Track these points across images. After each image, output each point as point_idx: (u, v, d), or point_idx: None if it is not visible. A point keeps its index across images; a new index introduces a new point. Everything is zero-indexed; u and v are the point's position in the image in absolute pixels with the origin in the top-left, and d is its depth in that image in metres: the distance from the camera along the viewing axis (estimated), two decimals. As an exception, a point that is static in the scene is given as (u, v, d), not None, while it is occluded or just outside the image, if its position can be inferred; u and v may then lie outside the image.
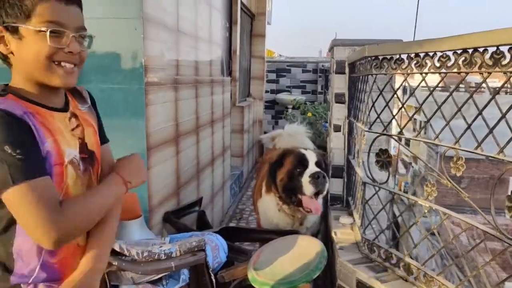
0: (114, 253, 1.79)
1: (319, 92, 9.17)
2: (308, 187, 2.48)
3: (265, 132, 8.13)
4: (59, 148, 1.06)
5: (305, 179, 2.50)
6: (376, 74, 2.03)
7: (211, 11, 3.70)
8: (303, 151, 2.66)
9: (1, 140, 0.92)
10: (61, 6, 1.02)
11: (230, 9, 5.35)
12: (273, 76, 9.20)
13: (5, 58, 1.05)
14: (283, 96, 8.91)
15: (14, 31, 1.00)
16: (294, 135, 3.60)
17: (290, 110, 8.59)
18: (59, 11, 1.02)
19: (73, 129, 1.14)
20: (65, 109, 1.14)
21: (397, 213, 2.18)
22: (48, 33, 1.00)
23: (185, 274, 2.00)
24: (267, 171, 2.75)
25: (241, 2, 5.81)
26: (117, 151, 2.27)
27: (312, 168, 2.54)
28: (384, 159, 1.93)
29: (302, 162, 2.57)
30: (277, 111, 9.09)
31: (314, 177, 2.47)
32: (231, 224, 4.24)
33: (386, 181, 2.04)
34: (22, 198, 0.94)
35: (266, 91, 8.43)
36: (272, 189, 2.69)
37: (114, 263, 1.79)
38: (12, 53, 1.02)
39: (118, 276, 1.87)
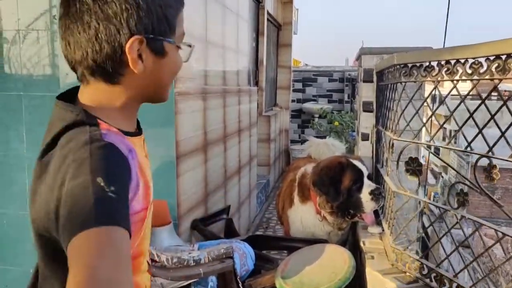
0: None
1: (345, 101, 9.11)
2: (369, 205, 2.41)
3: (291, 141, 8.13)
4: (149, 189, 0.87)
5: (365, 196, 2.41)
6: (405, 82, 2.01)
7: (238, 21, 3.75)
8: (356, 163, 2.52)
9: (98, 169, 0.71)
10: (182, 14, 0.89)
11: (257, 19, 5.41)
12: (299, 85, 9.21)
13: (116, 77, 0.83)
14: (309, 105, 8.89)
15: (158, 47, 0.83)
16: (332, 147, 3.54)
17: (316, 119, 8.56)
18: (183, 21, 0.90)
19: (146, 155, 0.95)
20: (139, 132, 0.96)
21: (427, 224, 2.14)
22: (189, 47, 0.91)
23: (213, 281, 2.02)
24: (319, 186, 2.53)
25: (268, 13, 5.87)
26: (147, 159, 2.32)
27: (367, 182, 2.45)
28: (414, 167, 1.90)
29: (359, 177, 2.46)
30: (303, 120, 9.07)
31: (375, 194, 2.40)
32: (258, 233, 4.24)
33: (417, 190, 2.01)
34: (98, 243, 0.66)
35: (292, 101, 8.44)
36: (322, 204, 2.54)
37: (144, 269, 1.82)
38: (133, 70, 0.82)
39: (148, 282, 1.91)
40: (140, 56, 0.81)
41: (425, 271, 1.92)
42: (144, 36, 0.80)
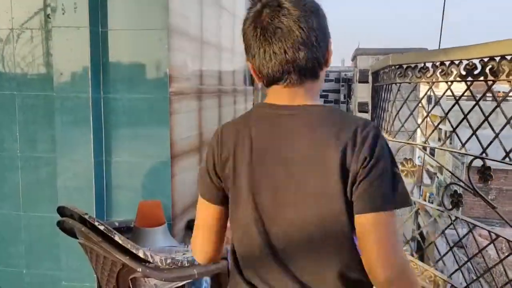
0: (138, 259, 1.82)
1: (341, 101, 9.14)
2: None
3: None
4: None
5: None
6: (400, 83, 2.01)
7: (234, 21, 3.74)
8: None
9: (393, 159, 0.97)
10: None
11: (253, 19, 5.40)
12: (295, 85, 9.21)
13: (318, 72, 1.08)
14: (305, 106, 8.90)
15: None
16: None
17: (312, 120, 8.57)
18: None
19: None
20: None
21: (421, 225, 2.14)
22: None
23: (207, 282, 2.01)
24: None
25: (264, 13, 5.86)
26: (142, 159, 2.31)
27: None
28: (409, 169, 1.90)
29: None
30: (299, 121, 9.08)
31: None
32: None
33: (411, 191, 2.01)
34: (390, 224, 0.93)
35: (288, 101, 8.43)
36: None
37: (138, 270, 1.81)
38: (327, 64, 1.08)
39: (142, 283, 1.90)
40: None
41: (419, 272, 1.92)
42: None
